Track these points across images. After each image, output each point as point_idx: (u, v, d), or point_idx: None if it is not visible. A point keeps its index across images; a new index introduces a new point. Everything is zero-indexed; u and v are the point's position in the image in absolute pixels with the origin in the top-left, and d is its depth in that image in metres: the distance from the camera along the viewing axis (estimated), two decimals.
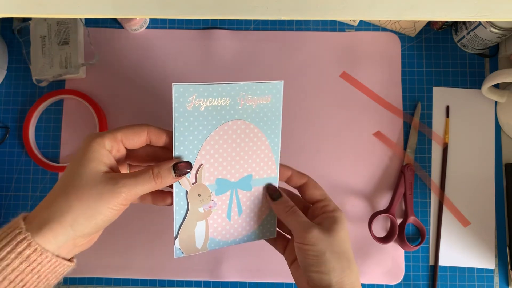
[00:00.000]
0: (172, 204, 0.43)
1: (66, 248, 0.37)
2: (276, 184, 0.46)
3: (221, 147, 0.44)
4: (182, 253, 0.44)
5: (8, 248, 0.35)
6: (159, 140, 0.42)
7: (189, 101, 0.41)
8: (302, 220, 0.43)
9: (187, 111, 0.41)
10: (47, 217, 0.36)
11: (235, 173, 0.45)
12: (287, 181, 0.47)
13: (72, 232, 0.36)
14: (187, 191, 0.43)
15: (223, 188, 0.45)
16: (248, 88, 0.44)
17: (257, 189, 0.46)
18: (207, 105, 0.42)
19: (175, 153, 0.42)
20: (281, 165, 0.46)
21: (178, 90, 0.41)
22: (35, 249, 0.35)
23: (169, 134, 0.42)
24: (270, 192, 0.46)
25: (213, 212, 0.45)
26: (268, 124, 0.45)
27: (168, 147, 0.42)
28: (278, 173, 0.46)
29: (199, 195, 0.44)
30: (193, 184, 0.43)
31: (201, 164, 0.43)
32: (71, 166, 0.39)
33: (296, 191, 0.48)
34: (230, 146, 0.44)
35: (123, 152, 0.41)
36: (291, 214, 0.44)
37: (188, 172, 0.41)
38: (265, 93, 0.45)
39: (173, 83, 0.40)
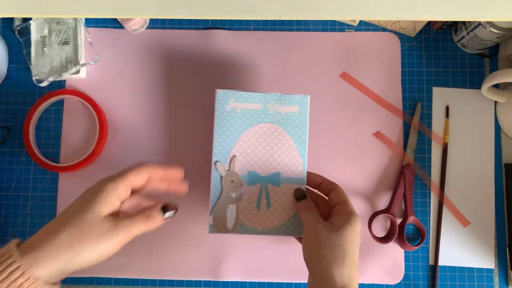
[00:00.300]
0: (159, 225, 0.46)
1: (55, 277, 0.39)
2: (304, 184, 0.52)
3: (252, 144, 0.52)
4: (214, 230, 0.51)
5: (2, 276, 0.37)
6: (158, 174, 0.47)
7: (228, 103, 0.52)
8: (314, 216, 0.48)
9: (226, 111, 0.52)
10: (45, 251, 0.38)
11: (264, 169, 0.53)
12: (317, 187, 0.52)
13: (65, 268, 0.39)
14: (221, 176, 0.52)
15: (254, 180, 0.52)
16: (277, 98, 0.53)
17: (286, 186, 0.52)
18: (242, 108, 0.52)
19: (215, 143, 0.52)
20: (313, 173, 0.52)
21: (220, 94, 0.52)
22: (28, 278, 0.37)
23: (166, 168, 0.48)
24: (297, 193, 0.51)
25: (244, 199, 0.52)
26: (296, 130, 0.53)
27: (165, 179, 0.48)
28: (306, 175, 0.52)
29: (232, 181, 0.52)
30: (227, 171, 0.52)
31: (234, 155, 0.52)
32: (78, 205, 0.42)
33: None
34: (261, 144, 0.53)
35: (129, 193, 0.45)
36: (307, 211, 0.49)
37: (174, 212, 0.47)
38: (293, 103, 0.53)
39: (216, 89, 0.52)
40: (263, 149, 0.53)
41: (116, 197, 0.42)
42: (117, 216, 0.42)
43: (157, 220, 0.44)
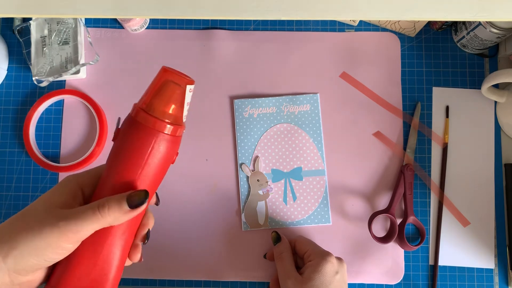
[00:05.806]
0: (141, 260, 0.39)
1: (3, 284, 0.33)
2: (324, 176, 0.58)
3: (272, 144, 0.58)
4: (248, 227, 0.57)
5: None
6: None
7: (245, 110, 0.58)
8: (285, 268, 0.50)
9: (244, 118, 0.58)
10: None
11: (286, 165, 0.58)
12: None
13: (8, 265, 0.31)
14: (248, 176, 0.57)
15: (278, 177, 0.58)
16: (289, 99, 0.59)
17: (308, 179, 0.58)
18: (258, 113, 0.58)
19: (238, 147, 0.58)
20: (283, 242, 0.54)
21: (237, 103, 0.59)
22: None
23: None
24: (272, 237, 0.54)
25: (271, 195, 0.57)
26: (310, 126, 0.59)
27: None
28: (326, 167, 0.58)
29: (258, 180, 0.57)
30: (252, 171, 0.57)
31: (258, 156, 0.58)
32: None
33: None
34: (280, 143, 0.58)
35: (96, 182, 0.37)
36: (279, 260, 0.51)
37: (144, 202, 0.34)
38: (304, 102, 0.59)
39: (234, 100, 0.59)
40: (282, 148, 0.58)
41: (74, 186, 0.35)
42: (65, 209, 0.34)
43: (114, 211, 0.33)
